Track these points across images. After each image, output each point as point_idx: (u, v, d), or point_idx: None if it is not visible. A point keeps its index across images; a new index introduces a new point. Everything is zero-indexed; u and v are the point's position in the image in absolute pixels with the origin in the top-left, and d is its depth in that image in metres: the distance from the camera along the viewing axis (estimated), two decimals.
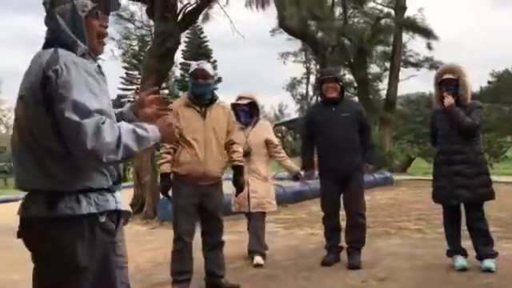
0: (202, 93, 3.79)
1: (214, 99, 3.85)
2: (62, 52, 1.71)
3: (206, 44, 43.18)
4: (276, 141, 5.13)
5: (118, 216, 1.84)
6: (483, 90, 42.26)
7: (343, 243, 4.66)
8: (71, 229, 1.70)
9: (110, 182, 1.79)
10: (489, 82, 45.56)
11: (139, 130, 1.73)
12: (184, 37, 31.55)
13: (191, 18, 9.86)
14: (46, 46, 1.78)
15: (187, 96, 3.88)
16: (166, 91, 34.32)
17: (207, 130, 3.76)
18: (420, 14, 22.26)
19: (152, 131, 1.78)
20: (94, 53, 1.84)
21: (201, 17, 11.52)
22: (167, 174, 3.83)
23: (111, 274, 1.82)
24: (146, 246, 5.97)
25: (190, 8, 9.73)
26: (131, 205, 9.67)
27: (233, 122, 4.05)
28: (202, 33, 40.22)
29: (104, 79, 1.81)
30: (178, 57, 32.80)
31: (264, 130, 5.00)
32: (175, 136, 1.96)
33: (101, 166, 1.73)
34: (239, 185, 4.12)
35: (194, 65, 3.86)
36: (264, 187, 4.86)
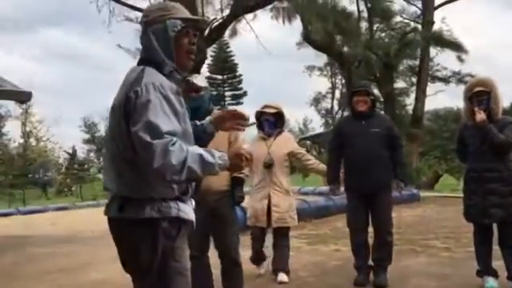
0: (194, 107, 3.47)
1: (208, 113, 3.57)
2: (148, 71, 1.88)
3: (232, 58, 43.59)
4: (302, 149, 5.07)
5: (180, 223, 1.95)
6: None
7: (371, 261, 4.57)
8: (135, 231, 1.89)
9: (175, 193, 1.92)
10: None
11: (206, 156, 1.84)
12: (210, 51, 31.86)
13: (218, 32, 10.00)
14: (140, 62, 1.97)
15: None
16: None
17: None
18: (446, 27, 22.02)
19: (220, 159, 1.88)
20: (182, 69, 1.99)
21: (228, 32, 11.66)
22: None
23: (170, 278, 1.92)
24: None
25: (217, 23, 9.86)
26: None
27: (235, 132, 3.77)
28: (228, 47, 40.61)
29: (181, 100, 1.92)
30: (204, 70, 33.13)
31: (287, 142, 4.89)
32: (242, 166, 2.01)
33: (165, 182, 1.86)
34: (236, 198, 3.92)
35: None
36: (286, 201, 4.77)
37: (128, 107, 1.82)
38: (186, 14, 2.00)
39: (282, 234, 4.79)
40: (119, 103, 1.88)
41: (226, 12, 10.78)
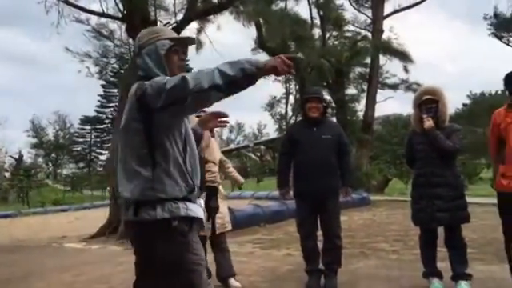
0: None
1: None
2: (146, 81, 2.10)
3: (187, 63, 43.28)
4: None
5: (191, 221, 2.14)
6: (458, 113, 43.15)
7: (321, 265, 4.63)
8: (150, 231, 2.09)
9: (184, 193, 2.12)
10: (464, 105, 46.57)
11: (229, 61, 1.96)
12: None
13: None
14: (138, 79, 2.17)
15: None
16: None
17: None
18: (394, 35, 22.74)
19: (247, 60, 1.95)
20: None
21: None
22: None
23: (189, 269, 2.10)
24: (121, 267, 5.85)
25: (170, 27, 9.76)
26: (105, 226, 9.52)
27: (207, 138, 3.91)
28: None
29: None
30: None
31: (218, 147, 5.03)
32: (278, 70, 1.98)
33: (203, 94, 1.94)
34: (210, 209, 3.85)
35: None
36: (225, 206, 4.85)
37: (143, 100, 2.03)
38: (173, 34, 2.27)
39: (222, 241, 4.79)
40: (130, 111, 2.09)
41: (180, 16, 10.71)
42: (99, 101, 54.19)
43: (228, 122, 2.56)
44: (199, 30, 12.23)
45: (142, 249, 2.17)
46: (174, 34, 2.28)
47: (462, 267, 4.21)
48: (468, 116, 39.12)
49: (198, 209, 2.19)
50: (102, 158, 55.09)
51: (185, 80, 1.93)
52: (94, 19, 14.84)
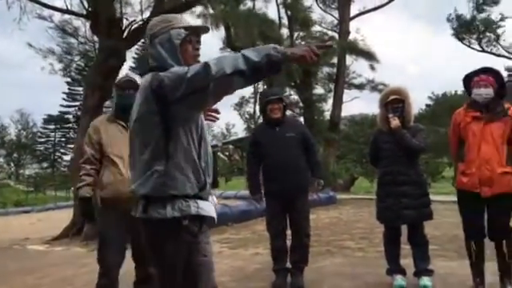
0: (130, 104, 3.58)
1: None
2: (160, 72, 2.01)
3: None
4: None
5: (201, 220, 2.07)
6: (421, 113, 44.20)
7: (288, 264, 4.66)
8: (159, 229, 2.02)
9: (195, 190, 2.04)
10: (427, 105, 47.73)
11: (255, 48, 1.91)
12: (133, 53, 30.98)
13: (137, 35, 9.75)
14: (150, 70, 2.08)
15: (113, 110, 3.60)
16: (111, 109, 33.45)
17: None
18: (360, 37, 23.16)
19: (273, 47, 1.87)
20: None
21: None
22: (87, 199, 3.42)
23: (195, 271, 2.04)
24: (84, 269, 5.74)
25: (137, 25, 9.64)
26: (69, 227, 9.32)
27: None
28: None
29: None
30: (127, 73, 32.15)
31: None
32: (306, 59, 1.91)
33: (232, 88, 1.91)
34: None
35: (120, 76, 3.67)
36: None
37: (160, 92, 1.93)
38: (187, 23, 2.15)
39: None
40: (146, 102, 2.00)
41: (147, 14, 10.59)
42: (64, 99, 53.04)
43: (218, 119, 2.49)
44: None
45: (150, 247, 2.10)
46: (188, 22, 2.17)
47: (424, 263, 4.32)
48: (431, 116, 40.11)
49: (209, 207, 2.11)
50: (67, 158, 53.92)
51: (207, 66, 1.85)
52: (57, 16, 14.52)
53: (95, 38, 12.13)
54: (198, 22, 12.94)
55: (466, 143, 3.99)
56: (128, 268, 3.61)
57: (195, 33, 2.15)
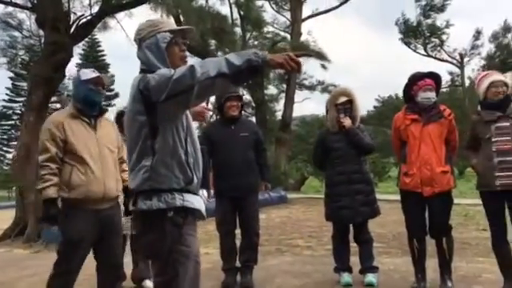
0: (99, 101, 3.46)
1: (103, 111, 3.52)
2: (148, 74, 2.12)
3: (104, 58, 41.73)
4: None
5: (187, 212, 2.16)
6: (370, 114, 45.39)
7: (238, 263, 4.67)
8: (146, 220, 2.15)
9: (181, 185, 2.15)
10: (374, 107, 49.06)
11: (236, 52, 2.01)
12: (80, 49, 30.05)
13: (85, 30, 9.49)
14: (141, 73, 2.18)
15: (74, 106, 3.40)
16: (58, 105, 32.39)
17: (100, 144, 3.35)
18: (312, 38, 23.54)
19: (253, 52, 1.97)
20: None
21: (99, 26, 11.13)
22: (54, 200, 3.21)
23: (177, 260, 2.12)
24: (27, 271, 5.53)
25: (84, 20, 9.37)
26: (11, 228, 8.93)
27: (121, 138, 3.65)
28: (99, 46, 38.82)
29: None
30: (73, 70, 31.10)
31: None
32: (284, 65, 1.98)
33: (216, 83, 1.98)
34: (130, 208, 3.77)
35: (88, 72, 3.48)
36: None
37: (146, 93, 2.05)
38: (173, 26, 2.29)
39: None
40: (133, 102, 2.12)
41: (96, 9, 10.30)
42: (7, 94, 50.75)
43: (206, 118, 2.64)
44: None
45: (138, 238, 2.24)
46: (174, 26, 2.30)
47: (369, 261, 4.46)
48: (378, 117, 41.26)
49: (196, 200, 2.21)
50: (9, 156, 51.64)
51: (193, 69, 1.97)
52: (0, 8, 13.87)
53: (41, 32, 11.67)
54: (152, 15, 12.72)
55: (407, 145, 4.15)
56: (92, 271, 3.47)
57: (181, 35, 2.26)
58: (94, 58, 41.03)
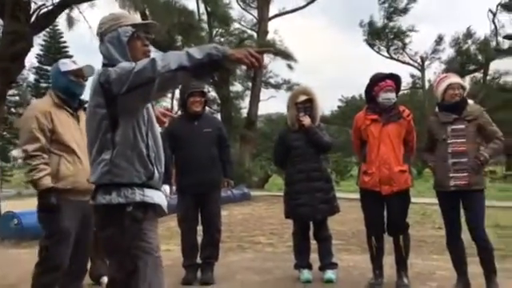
0: (80, 94, 3.39)
1: (82, 103, 3.42)
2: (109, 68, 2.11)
3: (66, 49, 40.63)
4: None
5: (146, 207, 2.13)
6: (334, 113, 46.06)
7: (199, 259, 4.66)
8: (105, 215, 2.14)
9: (142, 179, 2.13)
10: (338, 107, 49.81)
11: (197, 47, 2.01)
12: (41, 40, 29.14)
13: (46, 20, 9.22)
14: (103, 67, 2.17)
15: (56, 95, 3.31)
16: (17, 97, 31.35)
17: (83, 135, 3.16)
18: (278, 37, 23.68)
19: (214, 47, 1.98)
20: None
21: (63, 20, 10.85)
22: (51, 190, 3.12)
23: (136, 256, 2.09)
24: None
25: (45, 10, 9.11)
26: None
27: None
28: (62, 37, 37.77)
29: None
30: (32, 60, 30.17)
31: None
32: (245, 62, 2.00)
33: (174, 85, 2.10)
34: None
35: (68, 62, 3.41)
36: None
37: (106, 86, 2.03)
38: (135, 20, 2.28)
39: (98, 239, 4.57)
40: (93, 95, 2.10)
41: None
42: None
43: (165, 123, 2.61)
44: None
45: (98, 233, 2.23)
46: (137, 20, 2.28)
47: (328, 258, 4.53)
48: (341, 117, 41.90)
49: (157, 195, 2.19)
50: None
51: (154, 62, 1.96)
52: None
53: (0, 21, 11.28)
54: (115, 5, 12.49)
55: (367, 144, 4.24)
56: None
57: (143, 29, 2.24)
58: (56, 50, 39.88)
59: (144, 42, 2.24)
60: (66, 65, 3.38)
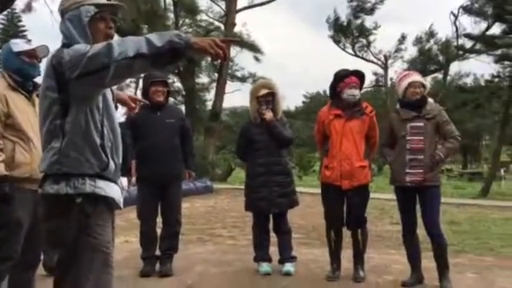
0: (33, 75, 3.19)
1: (36, 86, 3.19)
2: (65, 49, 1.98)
3: (24, 34, 39.29)
4: None
5: (97, 200, 2.01)
6: (298, 109, 46.48)
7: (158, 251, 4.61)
8: (52, 205, 2.01)
9: (96, 170, 2.00)
10: (303, 102, 50.29)
11: (159, 33, 1.89)
12: None
13: (4, 3, 8.87)
14: (61, 47, 2.02)
15: (9, 77, 3.10)
16: None
17: (39, 121, 3.17)
18: (246, 30, 23.63)
19: (176, 34, 1.86)
20: None
21: (22, 5, 10.46)
22: (5, 178, 2.93)
23: (82, 253, 1.98)
24: None
25: None
26: None
27: None
28: (20, 21, 36.51)
29: None
30: None
31: None
32: (208, 51, 1.88)
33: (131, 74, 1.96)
34: None
35: (20, 42, 3.24)
36: None
37: (59, 69, 1.92)
38: (100, 0, 2.10)
39: None
40: (46, 79, 1.99)
41: None
42: None
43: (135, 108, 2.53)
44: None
45: (43, 223, 2.08)
46: (102, 0, 2.10)
47: (288, 251, 4.57)
48: (306, 112, 42.32)
49: (111, 188, 2.05)
50: None
51: (110, 47, 1.83)
52: None
53: None
54: None
55: (330, 139, 4.29)
56: None
57: (108, 11, 2.12)
58: (14, 33, 38.53)
59: (108, 24, 2.11)
60: (18, 45, 3.22)
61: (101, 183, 2.02)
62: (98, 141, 2.01)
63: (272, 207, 4.48)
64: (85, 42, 2.00)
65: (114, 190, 2.08)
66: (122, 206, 2.14)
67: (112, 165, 2.07)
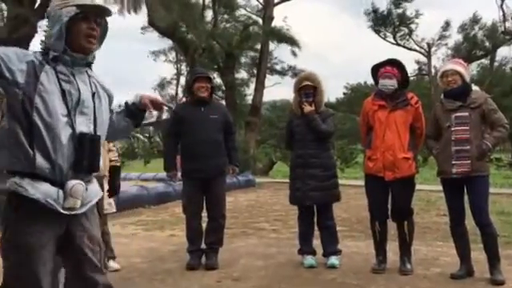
0: None
1: None
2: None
3: None
4: None
5: (19, 199, 1.96)
6: (339, 101, 45.92)
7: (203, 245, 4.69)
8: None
9: (25, 168, 1.95)
10: (344, 94, 49.61)
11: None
12: (45, 26, 29.07)
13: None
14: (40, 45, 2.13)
15: None
16: None
17: None
18: (285, 25, 23.47)
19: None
20: (81, 51, 2.11)
21: None
22: None
23: (5, 250, 1.99)
24: None
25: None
26: None
27: None
28: None
29: (50, 78, 2.04)
30: (37, 46, 30.11)
31: None
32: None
33: None
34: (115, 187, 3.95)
35: None
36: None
37: None
38: (85, 1, 2.10)
39: (105, 222, 4.54)
40: None
41: None
42: None
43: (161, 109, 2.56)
44: None
45: None
46: (87, 1, 2.10)
47: (332, 245, 4.55)
48: (348, 104, 41.76)
49: (35, 187, 1.95)
50: None
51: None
52: None
53: (3, 6, 11.25)
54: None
55: (373, 130, 4.24)
56: None
57: (91, 12, 2.11)
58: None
59: (91, 25, 2.10)
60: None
61: (26, 182, 1.96)
62: (23, 139, 1.96)
63: (305, 199, 4.48)
64: (60, 41, 2.05)
65: (44, 191, 1.97)
66: (59, 208, 1.98)
67: (46, 165, 1.97)
